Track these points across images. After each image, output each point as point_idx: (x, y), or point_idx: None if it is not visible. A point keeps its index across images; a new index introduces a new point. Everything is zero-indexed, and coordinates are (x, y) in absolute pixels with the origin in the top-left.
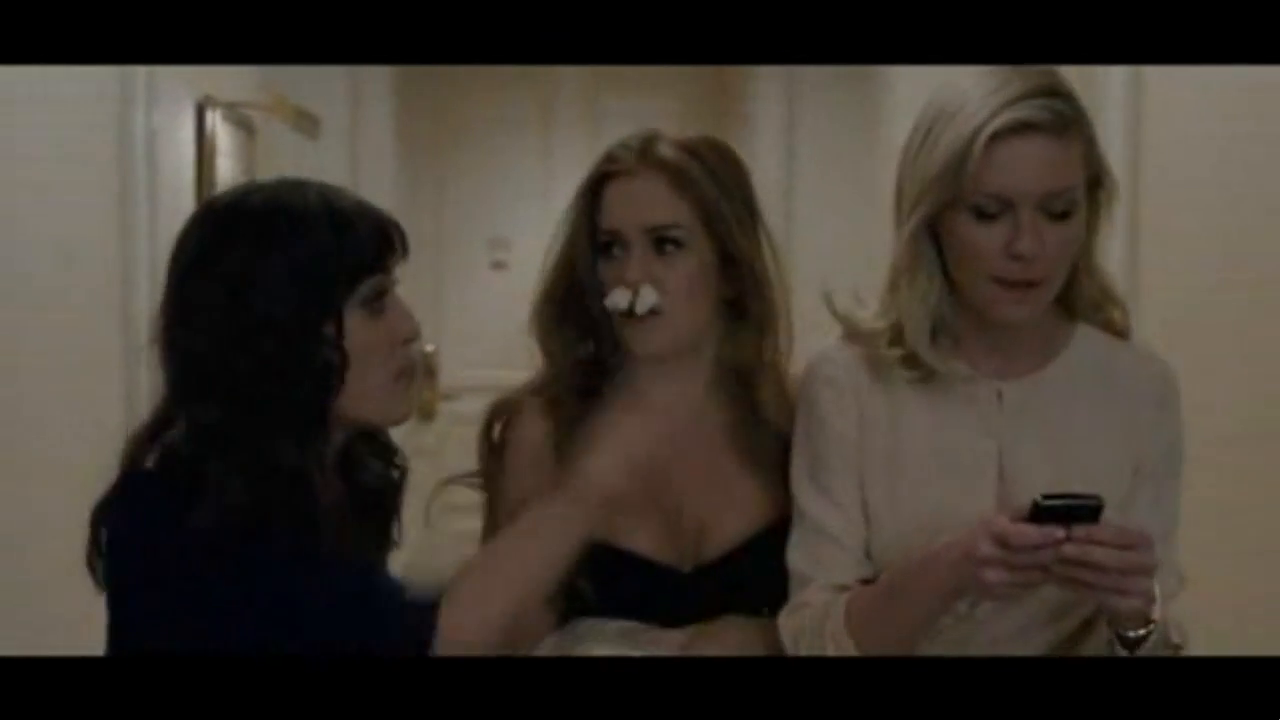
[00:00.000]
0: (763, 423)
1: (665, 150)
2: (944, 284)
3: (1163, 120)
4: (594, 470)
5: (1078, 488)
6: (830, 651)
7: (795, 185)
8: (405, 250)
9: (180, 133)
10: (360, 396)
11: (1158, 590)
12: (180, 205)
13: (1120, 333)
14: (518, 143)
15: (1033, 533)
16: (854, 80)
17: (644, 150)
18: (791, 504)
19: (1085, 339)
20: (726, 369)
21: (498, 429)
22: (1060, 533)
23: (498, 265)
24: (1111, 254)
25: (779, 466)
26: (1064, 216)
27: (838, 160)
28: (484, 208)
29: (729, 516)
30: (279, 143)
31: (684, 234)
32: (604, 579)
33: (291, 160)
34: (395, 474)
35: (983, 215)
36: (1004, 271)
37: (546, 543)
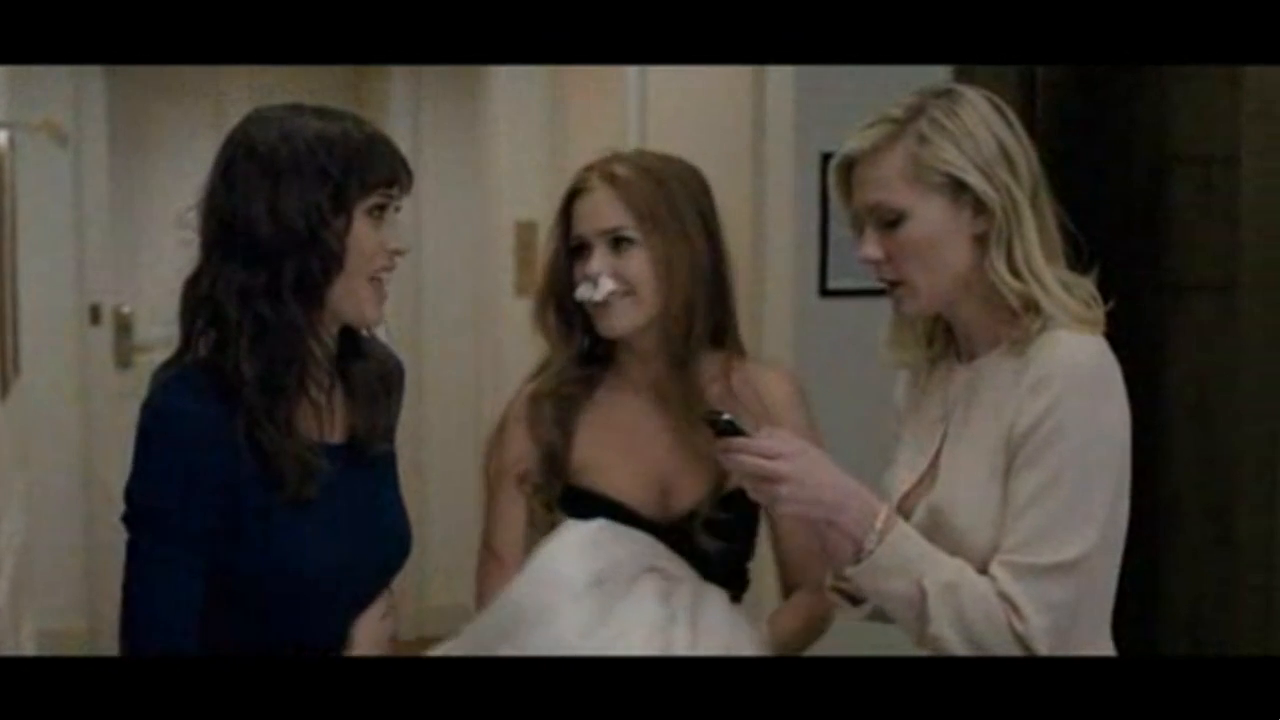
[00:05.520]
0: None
1: (618, 169)
2: None
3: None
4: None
5: (965, 462)
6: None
7: (421, 169)
8: (408, 182)
9: None
10: (344, 292)
11: (880, 522)
12: None
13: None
14: (193, 142)
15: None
16: (465, 80)
17: (601, 170)
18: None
19: (1024, 330)
20: (687, 348)
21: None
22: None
23: (184, 241)
24: None
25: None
26: (894, 224)
27: (456, 156)
28: (172, 196)
29: (689, 479)
30: (33, 149)
31: (634, 234)
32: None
33: (41, 162)
34: (384, 373)
35: (859, 229)
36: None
37: None
